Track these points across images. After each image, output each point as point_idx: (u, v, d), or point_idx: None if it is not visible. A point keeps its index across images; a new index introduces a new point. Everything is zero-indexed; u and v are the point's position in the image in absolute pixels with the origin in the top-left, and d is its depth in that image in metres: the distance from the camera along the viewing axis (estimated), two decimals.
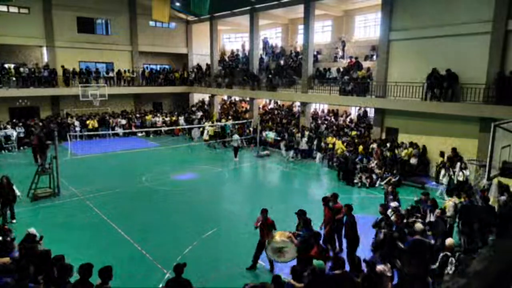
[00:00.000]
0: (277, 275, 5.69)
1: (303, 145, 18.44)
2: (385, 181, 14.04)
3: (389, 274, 6.00)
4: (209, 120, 24.73)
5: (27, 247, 6.34)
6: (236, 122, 23.41)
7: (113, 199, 12.42)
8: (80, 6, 24.42)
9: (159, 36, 28.43)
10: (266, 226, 7.75)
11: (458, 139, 14.11)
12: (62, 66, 23.69)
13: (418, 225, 7.07)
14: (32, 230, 6.86)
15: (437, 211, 8.35)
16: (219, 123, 23.01)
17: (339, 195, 8.76)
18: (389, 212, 8.22)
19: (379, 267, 5.94)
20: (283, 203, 12.03)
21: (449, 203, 8.82)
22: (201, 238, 9.50)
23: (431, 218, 8.46)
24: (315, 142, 18.33)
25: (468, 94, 13.61)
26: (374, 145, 15.88)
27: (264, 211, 7.80)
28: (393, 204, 8.62)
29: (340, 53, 21.73)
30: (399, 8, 15.92)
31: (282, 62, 24.38)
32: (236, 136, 18.88)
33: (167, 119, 25.85)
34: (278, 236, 7.70)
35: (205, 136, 21.72)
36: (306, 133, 19.14)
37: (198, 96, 30.67)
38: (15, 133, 19.84)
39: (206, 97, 29.63)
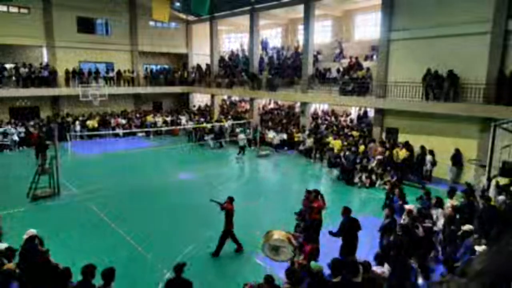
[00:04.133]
0: (269, 274, 5.73)
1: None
2: (383, 181, 14.09)
3: (386, 272, 6.00)
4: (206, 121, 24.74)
5: (27, 249, 6.28)
6: (236, 122, 23.42)
7: (113, 199, 12.41)
8: (80, 6, 24.40)
9: (159, 36, 28.40)
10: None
11: (458, 139, 14.11)
12: (67, 70, 23.75)
13: (468, 226, 7.14)
14: (32, 231, 6.82)
15: (440, 211, 8.38)
16: (218, 123, 23.02)
17: (320, 191, 8.95)
18: (403, 215, 8.23)
19: (378, 270, 5.94)
20: (282, 202, 12.04)
21: (448, 205, 8.83)
22: (201, 237, 9.49)
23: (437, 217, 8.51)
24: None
25: (468, 94, 13.62)
26: (371, 144, 15.92)
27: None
28: (409, 206, 8.55)
29: (338, 52, 21.75)
30: (399, 8, 15.90)
31: (282, 62, 24.37)
32: (242, 136, 19.29)
33: (168, 119, 25.84)
34: (277, 235, 7.72)
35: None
36: (307, 132, 19.27)
37: (198, 97, 30.64)
38: (14, 132, 19.82)
39: (209, 101, 29.48)
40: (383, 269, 6.03)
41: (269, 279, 5.52)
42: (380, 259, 6.20)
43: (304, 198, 9.10)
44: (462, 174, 14.03)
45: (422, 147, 14.80)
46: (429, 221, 8.00)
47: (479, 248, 6.56)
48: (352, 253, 7.48)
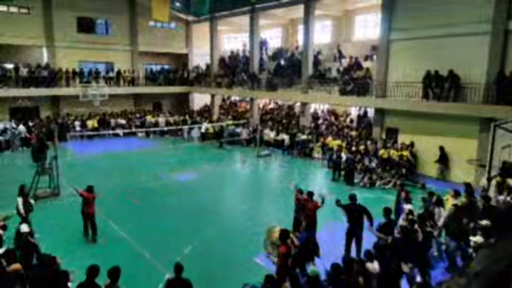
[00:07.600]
0: (270, 274, 5.77)
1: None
2: (382, 181, 14.11)
3: (376, 269, 6.04)
4: (207, 121, 24.74)
5: (22, 246, 6.29)
6: (236, 122, 23.42)
7: (113, 199, 12.40)
8: (80, 6, 24.39)
9: (159, 36, 28.37)
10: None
11: (458, 139, 14.13)
12: (61, 69, 23.69)
13: (486, 222, 7.18)
14: (24, 226, 6.82)
15: (441, 209, 8.41)
16: (218, 123, 23.05)
17: (314, 193, 8.95)
18: (402, 216, 8.30)
19: (368, 265, 6.01)
20: (281, 202, 12.04)
21: (450, 203, 8.81)
22: (201, 237, 9.50)
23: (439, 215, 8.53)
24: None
25: (468, 94, 13.63)
26: (371, 146, 15.97)
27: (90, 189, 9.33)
28: (407, 206, 8.57)
29: (337, 56, 21.77)
30: (399, 8, 15.91)
31: (282, 62, 24.35)
32: (267, 131, 20.89)
33: (170, 119, 25.72)
34: (278, 233, 7.80)
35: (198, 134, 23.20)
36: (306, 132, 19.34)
37: (198, 97, 30.56)
38: (9, 128, 19.86)
39: (208, 101, 29.43)
40: (374, 265, 6.08)
41: (269, 278, 5.55)
42: (370, 256, 6.24)
43: (295, 196, 9.27)
44: (449, 171, 14.54)
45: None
46: (430, 223, 7.98)
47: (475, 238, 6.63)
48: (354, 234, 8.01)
